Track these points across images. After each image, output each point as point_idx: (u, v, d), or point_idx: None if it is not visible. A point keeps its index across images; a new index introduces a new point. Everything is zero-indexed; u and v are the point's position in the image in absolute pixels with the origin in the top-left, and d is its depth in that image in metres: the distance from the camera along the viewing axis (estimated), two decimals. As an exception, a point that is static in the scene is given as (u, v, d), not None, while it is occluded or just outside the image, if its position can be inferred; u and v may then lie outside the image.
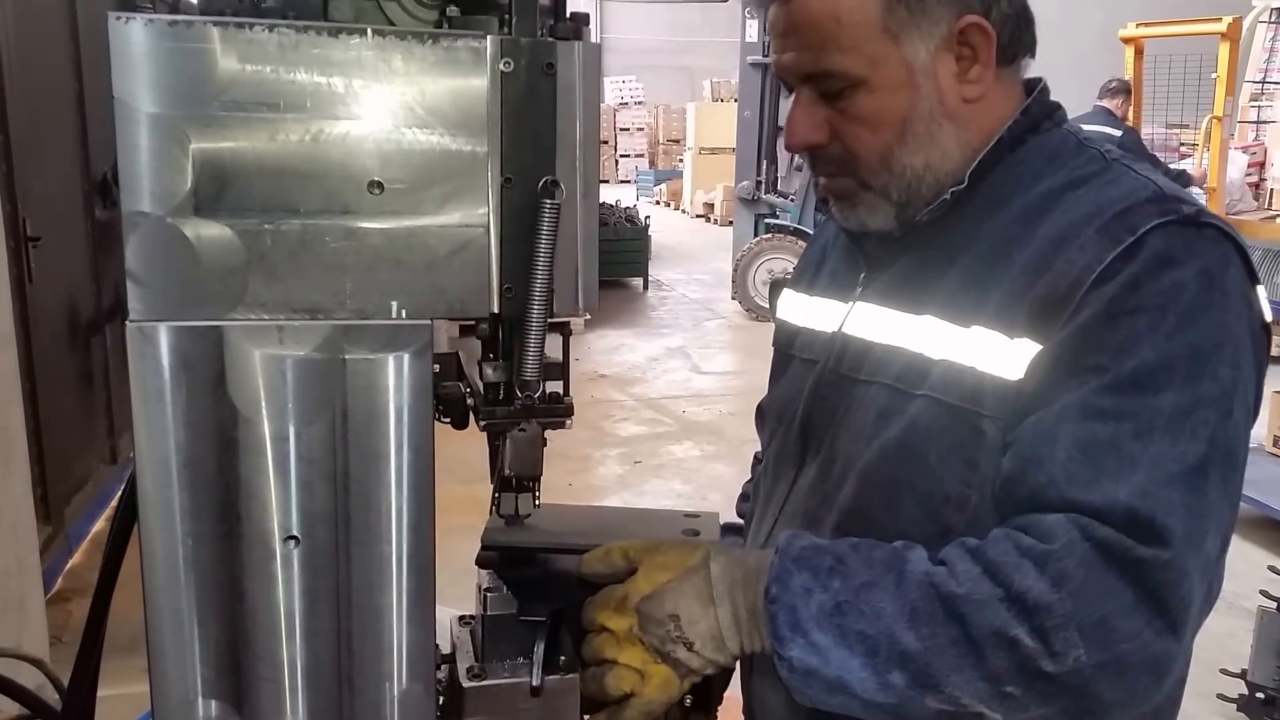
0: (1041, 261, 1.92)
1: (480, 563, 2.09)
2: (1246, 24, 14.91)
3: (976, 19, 2.00)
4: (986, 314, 1.95)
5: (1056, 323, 1.86)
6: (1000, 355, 1.91)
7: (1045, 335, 1.87)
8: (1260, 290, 1.95)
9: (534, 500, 2.02)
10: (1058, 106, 2.16)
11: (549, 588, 2.05)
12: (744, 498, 2.81)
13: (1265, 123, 17.01)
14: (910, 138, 2.04)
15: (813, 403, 2.25)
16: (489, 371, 1.84)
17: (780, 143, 17.92)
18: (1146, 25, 12.88)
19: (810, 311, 2.39)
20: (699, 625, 1.92)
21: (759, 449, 2.78)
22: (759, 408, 2.73)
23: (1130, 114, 13.53)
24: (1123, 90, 13.76)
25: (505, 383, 1.85)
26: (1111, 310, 1.83)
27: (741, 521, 2.75)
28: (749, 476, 2.83)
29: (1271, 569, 5.87)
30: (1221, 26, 11.65)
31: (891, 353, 2.09)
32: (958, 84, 2.04)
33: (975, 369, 1.94)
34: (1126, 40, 13.03)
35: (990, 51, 2.02)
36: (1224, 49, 11.85)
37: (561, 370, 1.93)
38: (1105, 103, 13.93)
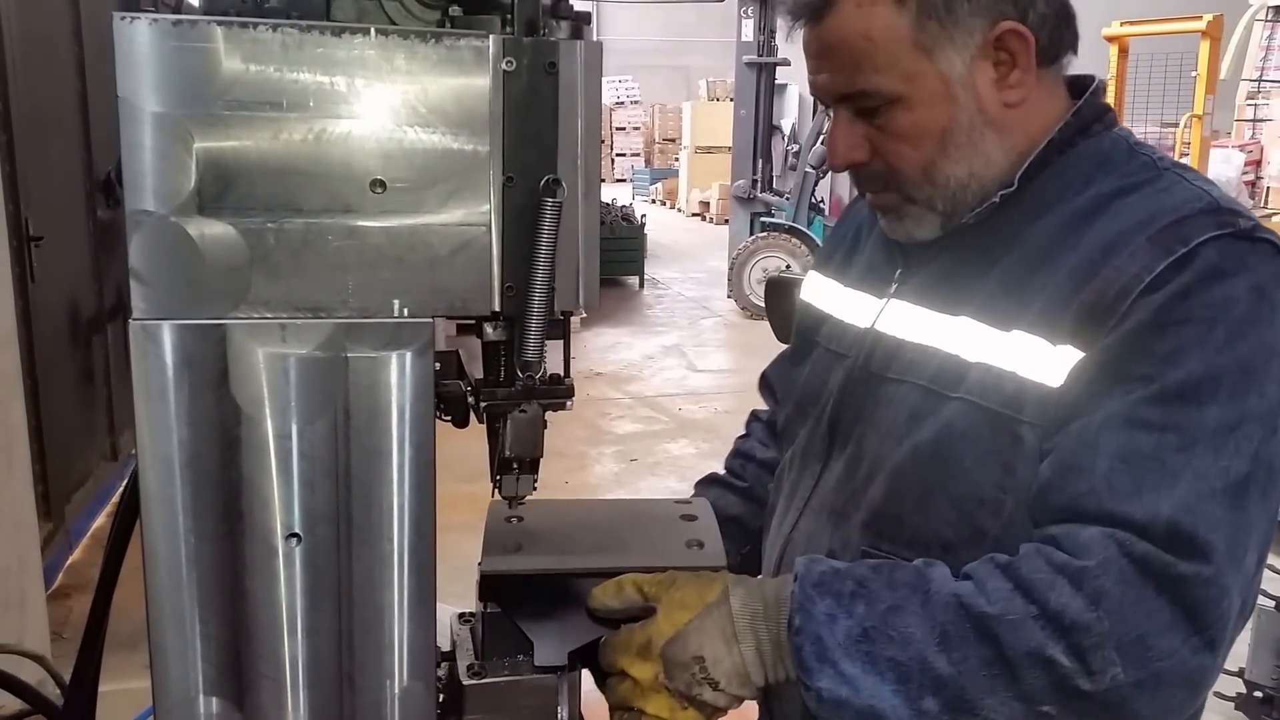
0: (1089, 268, 1.89)
1: (483, 596, 2.05)
2: (1243, 21, 14.93)
3: (1012, 24, 1.97)
4: (1028, 318, 1.93)
5: (1102, 330, 1.84)
6: (1042, 361, 1.90)
7: (1089, 342, 1.85)
8: None
9: (534, 483, 2.01)
10: (1108, 109, 2.13)
11: (561, 621, 2.02)
12: (734, 454, 2.80)
13: (1261, 121, 16.96)
14: (952, 149, 2.01)
15: (842, 399, 2.23)
16: (489, 330, 1.83)
17: (775, 141, 17.96)
18: (1129, 24, 12.89)
19: (841, 301, 2.38)
20: (724, 664, 1.89)
21: (757, 408, 2.80)
22: (763, 376, 2.74)
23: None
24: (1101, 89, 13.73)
25: (505, 343, 1.84)
26: (1159, 320, 1.81)
27: (724, 474, 2.76)
28: (744, 433, 2.83)
29: (1270, 567, 5.86)
30: (1201, 25, 11.67)
31: (925, 353, 2.07)
32: (998, 91, 2.00)
33: (1016, 374, 1.92)
34: (1110, 39, 13.03)
35: (1029, 55, 1.99)
36: (1204, 47, 11.86)
37: (562, 355, 1.93)
38: None
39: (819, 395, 2.32)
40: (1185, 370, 1.79)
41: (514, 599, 2.03)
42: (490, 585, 2.04)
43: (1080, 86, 2.14)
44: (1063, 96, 2.12)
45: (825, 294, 2.45)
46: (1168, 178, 2.00)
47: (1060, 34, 2.05)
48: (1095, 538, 1.76)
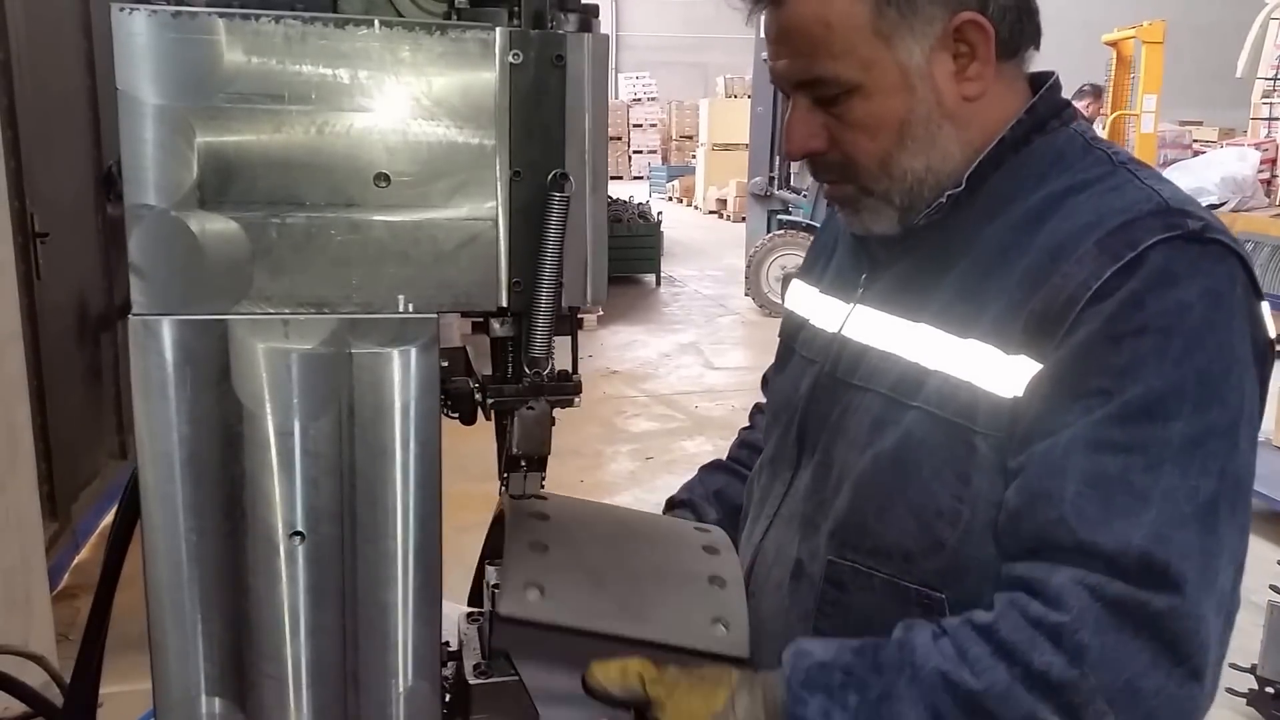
0: (1039, 273, 1.88)
1: (497, 646, 1.99)
2: (1259, 20, 15.08)
3: (972, 15, 1.95)
4: (983, 326, 1.92)
5: (1052, 340, 1.83)
6: (996, 371, 1.88)
7: (1041, 353, 1.84)
8: (1264, 305, 1.90)
9: (541, 480, 1.99)
10: (1066, 104, 2.11)
11: (570, 697, 1.96)
12: (740, 444, 2.83)
13: (1277, 119, 16.95)
14: (909, 141, 2.00)
15: (809, 406, 2.23)
16: (496, 326, 1.81)
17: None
18: (1122, 29, 13.26)
19: (815, 307, 2.37)
20: None
21: (760, 400, 2.79)
22: (765, 376, 2.72)
23: (1101, 116, 13.76)
24: (1092, 93, 13.97)
25: (513, 339, 1.81)
26: (1114, 330, 1.79)
27: (730, 462, 2.79)
28: (748, 425, 2.87)
29: (1281, 563, 5.88)
30: (1130, 32, 12.01)
31: (887, 360, 2.07)
32: (956, 83, 1.99)
33: (971, 384, 1.91)
34: (1110, 44, 13.29)
35: (989, 48, 1.98)
36: (1144, 51, 12.18)
37: (570, 352, 1.91)
38: (1076, 104, 14.12)
39: (790, 401, 2.32)
40: (1144, 385, 1.77)
41: (527, 650, 1.99)
42: (506, 630, 1.98)
43: (1041, 84, 2.12)
44: (1023, 92, 2.10)
45: (803, 300, 2.45)
46: (1120, 175, 1.98)
47: (1021, 27, 2.03)
48: (1065, 585, 1.75)
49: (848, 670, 1.84)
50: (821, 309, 2.33)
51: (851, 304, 2.21)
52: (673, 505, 2.75)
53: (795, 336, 2.42)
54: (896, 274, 2.13)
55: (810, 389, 2.24)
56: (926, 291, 2.04)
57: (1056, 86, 2.11)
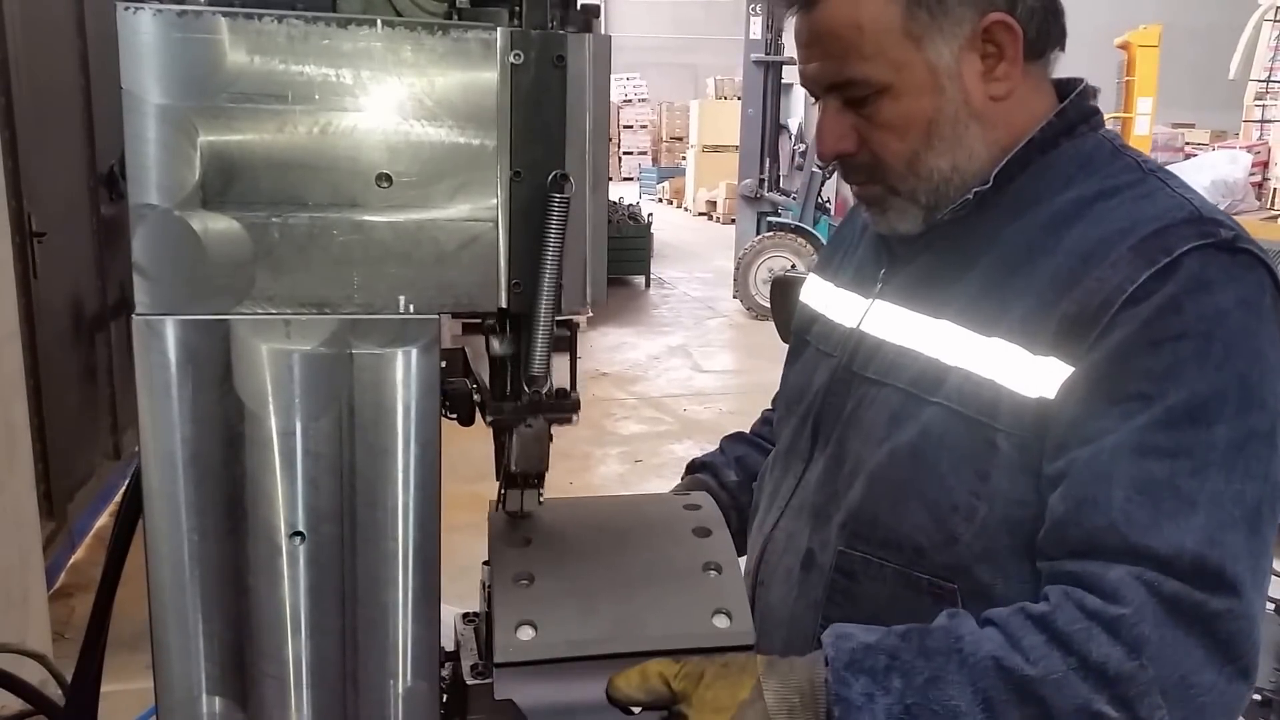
0: (1069, 276, 1.89)
1: (501, 696, 1.92)
2: (1252, 21, 15.15)
3: (1001, 16, 1.97)
4: (1008, 325, 1.92)
5: (1084, 342, 1.83)
6: (1021, 371, 1.89)
7: (1073, 355, 1.84)
8: None
9: (539, 497, 1.98)
10: (1096, 111, 2.13)
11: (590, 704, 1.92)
12: (763, 421, 2.85)
13: (1269, 121, 16.96)
14: (937, 141, 2.02)
15: (825, 399, 2.23)
16: (496, 345, 1.81)
17: (782, 141, 17.95)
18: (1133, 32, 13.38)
19: (831, 301, 2.38)
20: None
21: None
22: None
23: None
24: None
25: (512, 356, 1.81)
26: (1152, 335, 1.80)
27: (751, 435, 2.83)
28: (771, 407, 2.84)
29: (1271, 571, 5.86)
30: (1123, 38, 12.14)
31: (906, 355, 2.07)
32: (984, 83, 2.01)
33: (994, 382, 1.92)
34: (1121, 46, 13.36)
35: (1017, 48, 1.99)
36: (1139, 55, 12.25)
37: (569, 367, 1.91)
38: None
39: (804, 394, 2.33)
40: (1189, 389, 1.78)
41: (531, 689, 1.93)
42: (507, 675, 1.93)
43: (1070, 90, 2.13)
44: (1049, 94, 2.12)
45: (819, 294, 2.47)
46: (1150, 182, 2.00)
47: (1048, 28, 2.06)
48: (1123, 580, 1.75)
49: (893, 654, 1.83)
50: (838, 303, 2.35)
51: (870, 299, 2.22)
52: (694, 469, 2.78)
53: (809, 330, 2.44)
54: (916, 269, 2.14)
55: (826, 383, 2.25)
56: (948, 288, 2.05)
57: (1087, 93, 2.12)
